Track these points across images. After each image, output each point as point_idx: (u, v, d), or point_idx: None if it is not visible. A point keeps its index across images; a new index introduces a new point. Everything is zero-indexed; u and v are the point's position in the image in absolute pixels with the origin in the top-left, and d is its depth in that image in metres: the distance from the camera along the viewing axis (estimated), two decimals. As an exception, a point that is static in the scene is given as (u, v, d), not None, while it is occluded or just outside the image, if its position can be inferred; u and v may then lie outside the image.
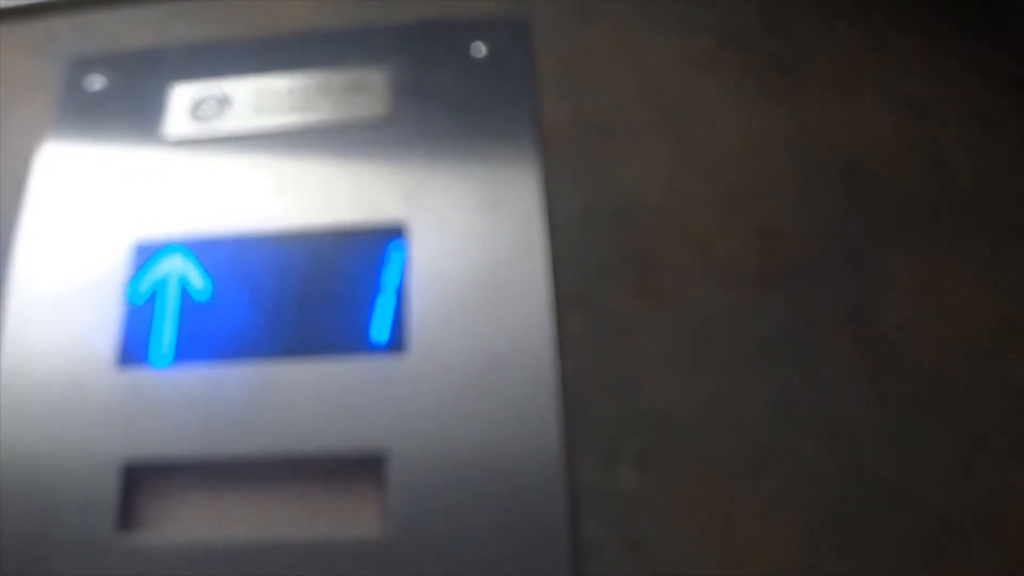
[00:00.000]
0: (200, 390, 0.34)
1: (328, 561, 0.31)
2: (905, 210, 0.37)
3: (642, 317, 0.35)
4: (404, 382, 0.34)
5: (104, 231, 0.38)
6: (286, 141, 0.39)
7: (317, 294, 0.36)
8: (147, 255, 0.37)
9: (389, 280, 0.36)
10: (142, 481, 0.33)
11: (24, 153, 0.41)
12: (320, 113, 0.40)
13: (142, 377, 0.35)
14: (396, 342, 0.35)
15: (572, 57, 0.41)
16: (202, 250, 0.37)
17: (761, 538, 0.31)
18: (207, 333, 0.36)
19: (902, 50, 0.41)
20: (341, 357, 0.34)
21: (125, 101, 0.42)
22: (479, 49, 0.41)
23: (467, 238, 0.36)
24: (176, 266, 0.37)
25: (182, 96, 0.41)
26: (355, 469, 0.33)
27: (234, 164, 0.39)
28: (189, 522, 0.33)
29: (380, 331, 0.35)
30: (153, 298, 0.37)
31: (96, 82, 0.42)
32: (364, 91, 0.40)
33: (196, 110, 0.41)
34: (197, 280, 0.37)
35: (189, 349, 0.35)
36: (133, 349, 0.36)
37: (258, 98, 0.41)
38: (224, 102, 0.41)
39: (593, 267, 0.36)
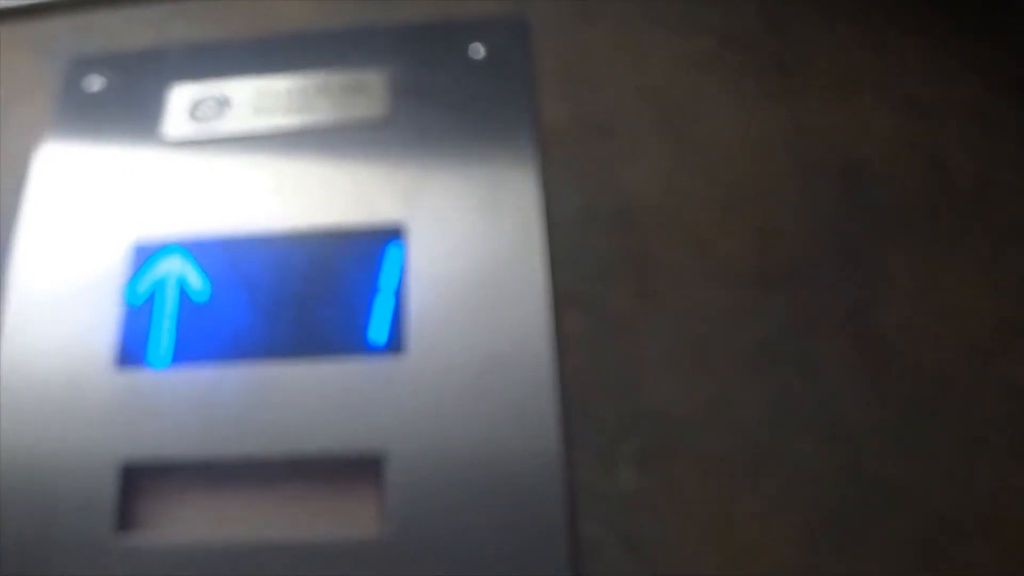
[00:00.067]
0: (199, 391, 0.34)
1: (327, 561, 0.31)
2: (905, 210, 0.37)
3: (642, 317, 0.35)
4: (403, 383, 0.34)
5: (103, 232, 0.38)
6: (285, 142, 0.39)
7: (315, 295, 0.36)
8: (146, 256, 0.37)
9: (388, 281, 0.36)
10: (141, 481, 0.33)
11: (23, 153, 0.41)
12: (319, 114, 0.40)
13: (141, 378, 0.35)
14: (395, 343, 0.35)
15: (572, 57, 0.41)
16: (201, 251, 0.37)
17: (761, 538, 0.31)
18: (206, 334, 0.36)
19: (902, 50, 0.41)
20: (340, 358, 0.34)
21: (124, 101, 0.41)
22: (478, 50, 0.41)
23: (466, 239, 0.36)
24: (175, 267, 0.37)
25: (181, 97, 0.41)
26: (354, 469, 0.33)
27: (233, 165, 0.39)
28: (188, 522, 0.33)
29: (378, 332, 0.35)
30: (152, 299, 0.36)
31: (95, 82, 0.42)
32: (363, 92, 0.40)
33: (195, 111, 0.41)
34: (196, 281, 0.37)
35: (188, 350, 0.35)
36: (132, 350, 0.35)
37: (257, 99, 0.41)
38: (223, 103, 0.41)
39: (593, 267, 0.36)
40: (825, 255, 0.36)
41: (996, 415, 0.33)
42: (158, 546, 0.32)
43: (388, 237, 0.37)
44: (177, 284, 0.37)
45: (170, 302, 0.36)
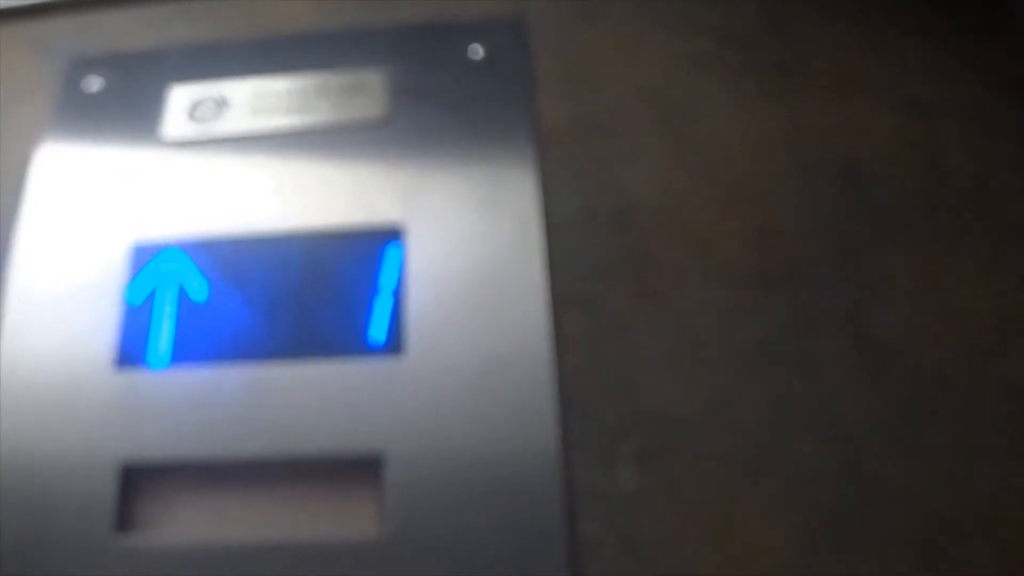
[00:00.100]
0: (198, 391, 0.34)
1: (326, 562, 0.31)
2: (904, 210, 0.37)
3: (641, 317, 0.35)
4: (402, 383, 0.34)
5: (102, 232, 0.38)
6: (284, 142, 0.39)
7: (315, 295, 0.36)
8: (145, 256, 0.37)
9: (387, 281, 0.36)
10: (140, 482, 0.33)
11: (22, 153, 0.41)
12: (318, 114, 0.40)
13: (140, 378, 0.35)
14: (394, 343, 0.35)
15: (572, 57, 0.41)
16: (200, 251, 0.37)
17: (761, 538, 0.31)
18: (205, 334, 0.36)
19: (902, 50, 0.41)
20: (339, 358, 0.34)
21: (123, 102, 0.41)
22: (476, 51, 0.41)
23: (465, 239, 0.36)
24: (174, 267, 0.37)
25: (180, 97, 0.41)
26: (353, 470, 0.33)
27: (232, 165, 0.39)
28: (187, 523, 0.33)
29: (378, 332, 0.35)
30: (151, 299, 0.36)
31: (94, 83, 0.42)
32: (362, 92, 0.40)
33: (194, 111, 0.41)
34: (195, 281, 0.37)
35: (187, 350, 0.35)
36: (131, 350, 0.35)
37: (256, 99, 0.41)
38: (222, 103, 0.41)
39: (592, 267, 0.36)
40: (825, 255, 0.36)
41: (996, 415, 0.33)
42: (157, 546, 0.32)
43: (387, 237, 0.37)
44: (176, 285, 0.37)
45: (169, 303, 0.36)
